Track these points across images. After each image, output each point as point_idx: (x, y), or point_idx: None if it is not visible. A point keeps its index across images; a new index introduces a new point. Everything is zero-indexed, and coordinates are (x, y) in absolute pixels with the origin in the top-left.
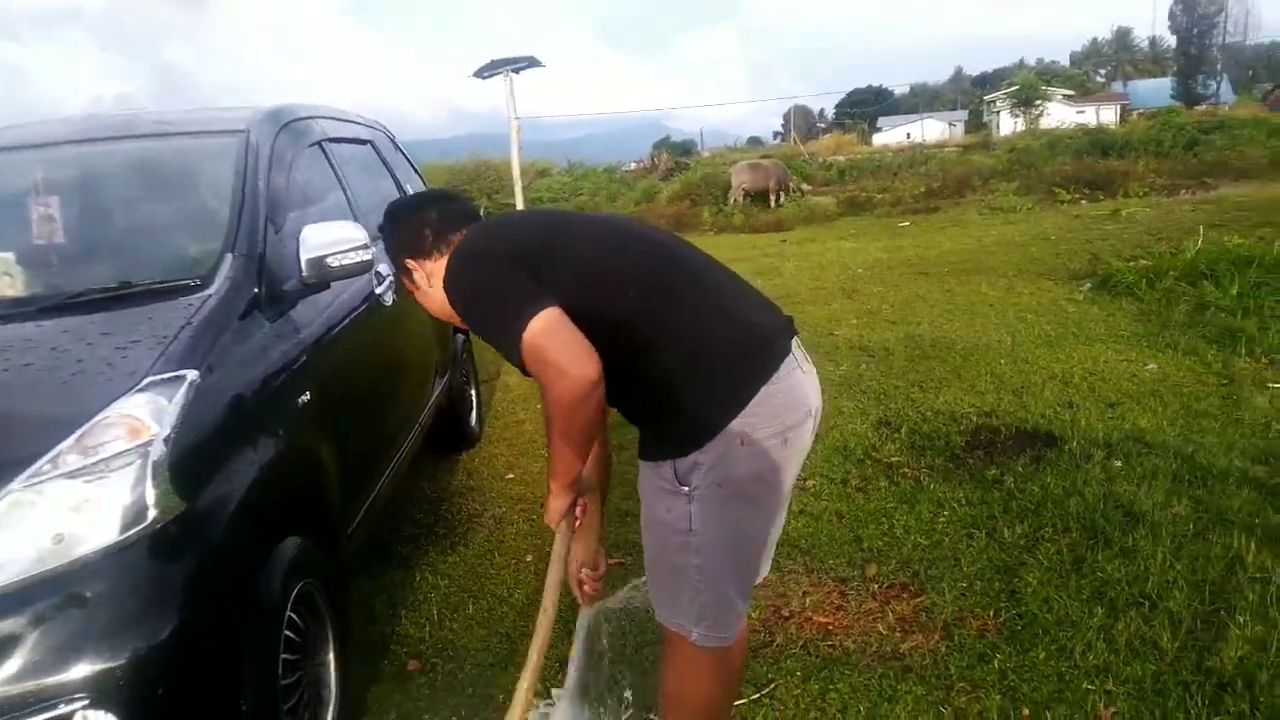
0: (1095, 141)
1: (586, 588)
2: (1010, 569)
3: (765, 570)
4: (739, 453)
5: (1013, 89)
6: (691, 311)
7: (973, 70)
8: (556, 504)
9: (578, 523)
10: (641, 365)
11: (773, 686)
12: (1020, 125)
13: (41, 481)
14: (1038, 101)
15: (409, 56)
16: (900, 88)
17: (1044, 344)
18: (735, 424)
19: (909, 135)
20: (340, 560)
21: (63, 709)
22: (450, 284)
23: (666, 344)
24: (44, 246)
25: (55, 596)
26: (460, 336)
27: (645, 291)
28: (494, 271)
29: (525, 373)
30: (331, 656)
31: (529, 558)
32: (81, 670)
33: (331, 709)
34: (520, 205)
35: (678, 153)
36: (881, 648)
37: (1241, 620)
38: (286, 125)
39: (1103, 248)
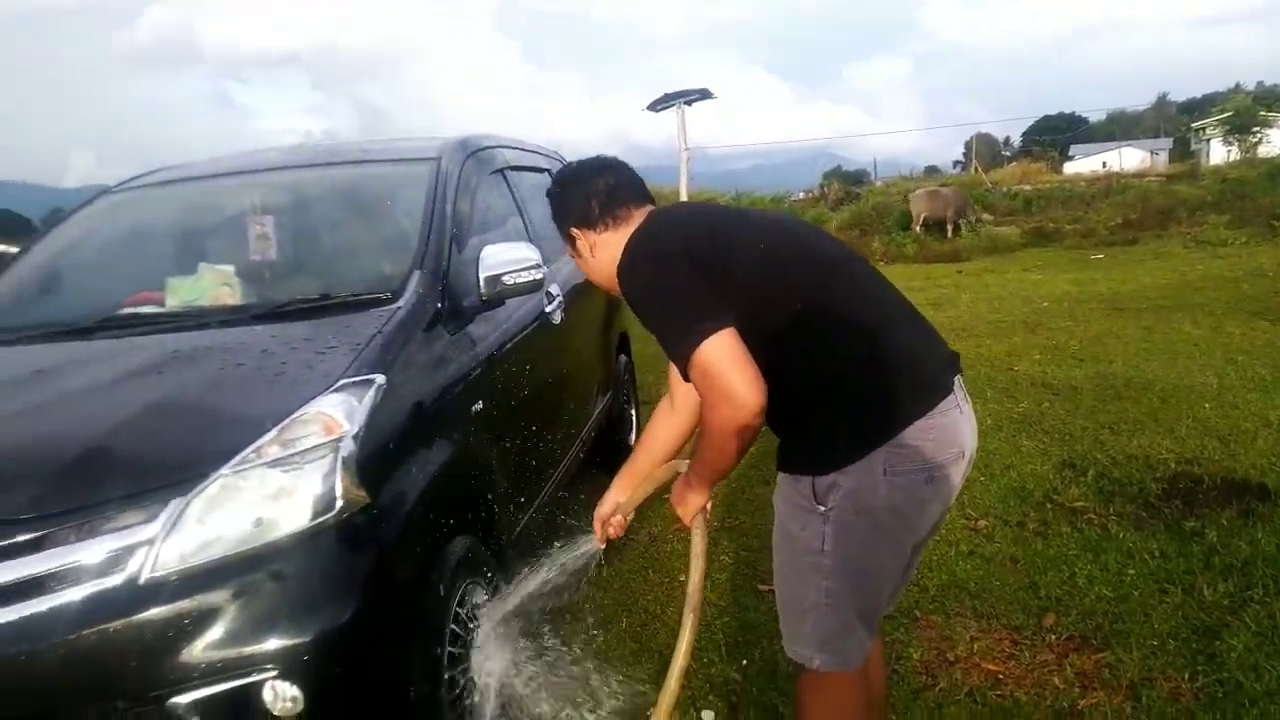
0: None
1: (611, 530)
2: (1211, 630)
3: (892, 605)
4: (880, 482)
5: (1226, 115)
6: (856, 332)
7: (1179, 96)
8: (694, 498)
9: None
10: (798, 377)
11: None
12: (1234, 154)
13: (247, 469)
14: (1256, 128)
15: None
16: (1096, 114)
17: (1257, 388)
18: (882, 452)
19: (1105, 164)
20: (504, 564)
21: (255, 677)
22: (626, 279)
23: (826, 361)
24: (259, 261)
25: (253, 575)
26: (623, 358)
27: (812, 305)
28: (673, 275)
29: (685, 377)
30: None
31: (681, 576)
32: (273, 643)
33: (489, 708)
34: None
35: (849, 182)
36: (1057, 702)
37: None
38: (473, 154)
39: None
